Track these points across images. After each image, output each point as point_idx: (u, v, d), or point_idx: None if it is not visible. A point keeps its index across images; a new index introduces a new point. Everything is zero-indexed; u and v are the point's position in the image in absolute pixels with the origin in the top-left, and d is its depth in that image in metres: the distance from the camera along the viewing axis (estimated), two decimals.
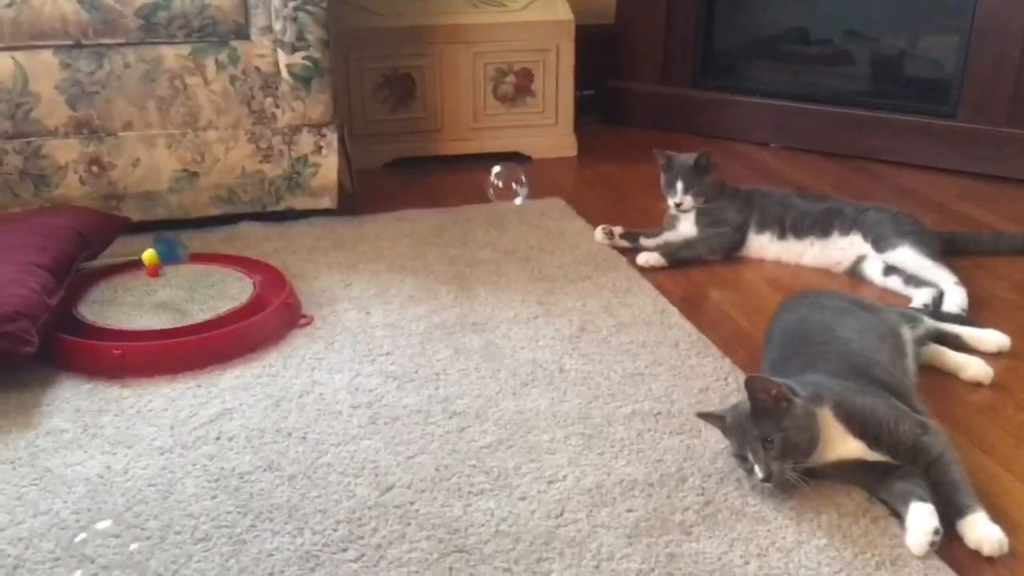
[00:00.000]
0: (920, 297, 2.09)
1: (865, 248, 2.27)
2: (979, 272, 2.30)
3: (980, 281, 2.25)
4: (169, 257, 2.11)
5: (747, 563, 1.32)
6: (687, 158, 2.42)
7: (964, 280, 2.13)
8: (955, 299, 2.06)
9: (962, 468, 1.43)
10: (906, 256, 2.19)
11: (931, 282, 2.12)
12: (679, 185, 2.40)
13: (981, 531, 1.34)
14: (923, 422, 1.48)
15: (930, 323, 1.88)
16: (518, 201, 1.40)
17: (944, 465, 1.42)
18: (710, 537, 1.37)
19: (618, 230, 2.48)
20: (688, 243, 2.43)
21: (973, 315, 2.03)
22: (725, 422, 1.51)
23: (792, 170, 3.16)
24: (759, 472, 1.42)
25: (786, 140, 3.41)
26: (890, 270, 2.21)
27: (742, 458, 1.46)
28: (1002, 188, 2.95)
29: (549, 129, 3.32)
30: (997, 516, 1.38)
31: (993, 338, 1.92)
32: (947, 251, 2.27)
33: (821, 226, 2.34)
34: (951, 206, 2.80)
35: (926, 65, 3.35)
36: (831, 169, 3.17)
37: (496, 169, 1.45)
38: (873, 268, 2.25)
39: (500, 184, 1.43)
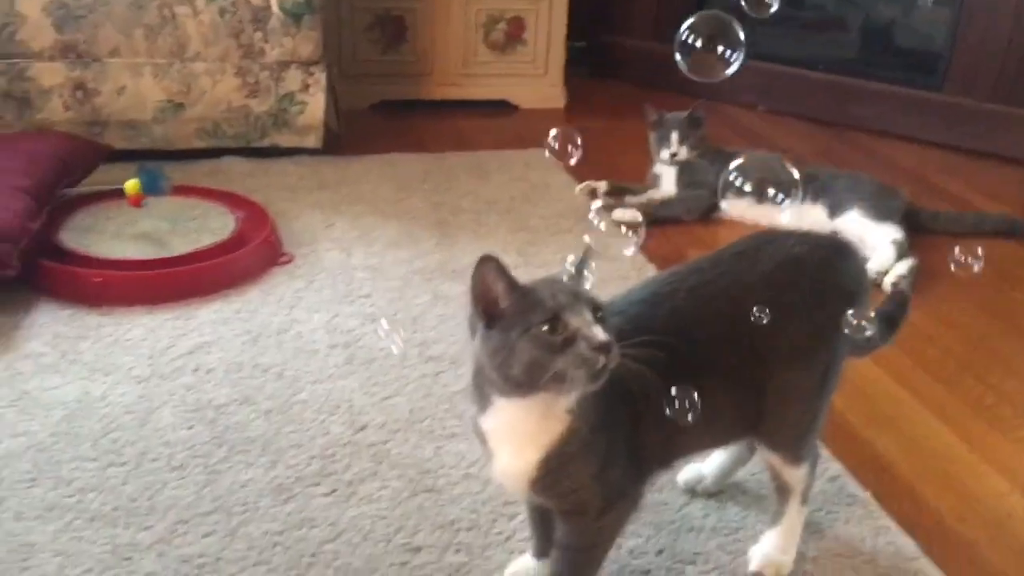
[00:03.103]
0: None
1: (824, 215, 2.30)
2: (951, 245, 2.33)
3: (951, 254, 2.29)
4: (152, 188, 2.11)
5: (707, 516, 1.36)
6: (679, 113, 2.45)
7: (933, 251, 2.15)
8: (881, 257, 2.10)
9: None
10: (853, 219, 2.23)
11: (873, 244, 2.15)
12: (674, 136, 2.43)
13: None
14: None
15: None
16: (629, 252, 1.31)
17: None
18: (672, 489, 1.41)
19: (602, 187, 2.49)
20: (666, 202, 2.45)
21: (938, 287, 2.07)
22: None
23: (777, 134, 3.18)
24: None
25: (773, 104, 3.43)
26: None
27: None
28: (982, 164, 2.99)
29: (538, 79, 3.31)
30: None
31: None
32: (928, 229, 2.31)
33: None
34: (930, 179, 2.83)
35: (917, 37, 3.36)
36: (816, 135, 3.19)
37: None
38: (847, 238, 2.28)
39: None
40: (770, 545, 1.28)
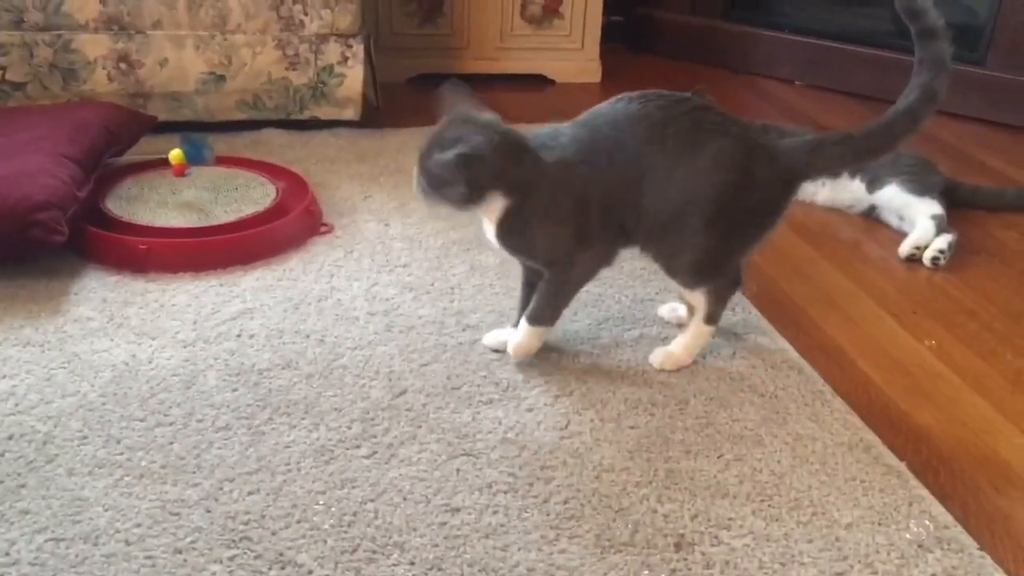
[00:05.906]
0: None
1: (862, 190, 2.29)
2: (992, 220, 2.32)
3: (991, 229, 2.27)
4: (196, 158, 2.14)
5: (741, 483, 1.38)
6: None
7: (973, 226, 2.14)
8: (920, 231, 2.10)
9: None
10: (892, 194, 2.21)
11: (912, 219, 2.15)
12: None
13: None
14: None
15: None
16: None
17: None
18: (707, 457, 1.43)
19: None
20: None
21: (979, 261, 2.06)
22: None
23: (815, 109, 3.16)
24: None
25: (812, 78, 3.40)
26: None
27: None
28: None
29: (574, 53, 3.31)
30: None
31: None
32: (968, 204, 2.30)
33: None
34: (972, 154, 2.80)
35: (959, 10, 3.31)
36: (855, 110, 3.16)
37: None
38: (888, 213, 2.27)
39: None
40: (672, 344, 1.65)
